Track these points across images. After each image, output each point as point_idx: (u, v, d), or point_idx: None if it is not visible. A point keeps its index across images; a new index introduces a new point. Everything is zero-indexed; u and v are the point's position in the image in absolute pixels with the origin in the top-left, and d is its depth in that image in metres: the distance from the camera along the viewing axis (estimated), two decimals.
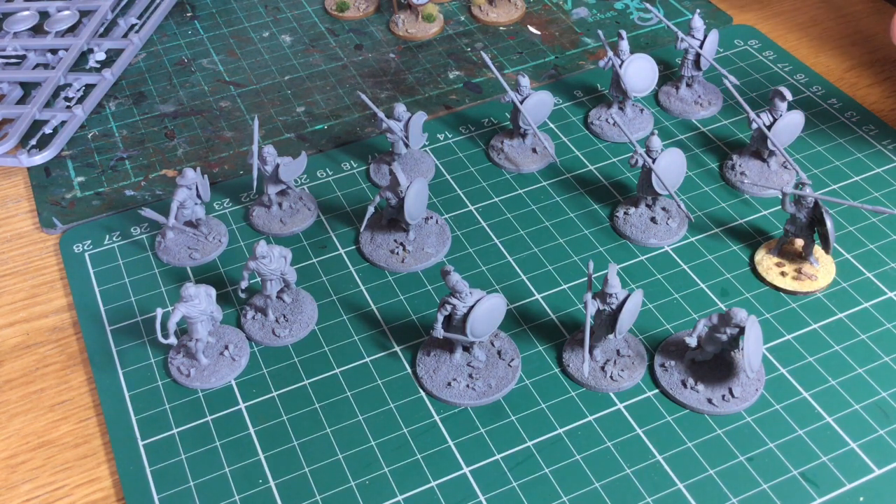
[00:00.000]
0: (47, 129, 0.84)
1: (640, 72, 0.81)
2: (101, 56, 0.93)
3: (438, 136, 0.84)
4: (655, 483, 0.58)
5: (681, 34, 0.82)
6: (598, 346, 0.63)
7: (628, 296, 0.60)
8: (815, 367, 0.64)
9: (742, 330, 0.60)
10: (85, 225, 0.77)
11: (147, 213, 0.73)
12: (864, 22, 0.96)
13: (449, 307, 0.61)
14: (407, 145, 0.77)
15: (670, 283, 0.70)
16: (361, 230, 0.74)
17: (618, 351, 0.64)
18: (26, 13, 0.97)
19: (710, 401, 0.61)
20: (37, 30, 0.97)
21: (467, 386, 0.63)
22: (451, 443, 0.61)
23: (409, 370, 0.65)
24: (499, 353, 0.65)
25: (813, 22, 0.97)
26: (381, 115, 0.76)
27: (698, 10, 0.86)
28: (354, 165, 0.81)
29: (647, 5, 0.87)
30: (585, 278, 0.70)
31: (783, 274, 0.69)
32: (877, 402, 0.61)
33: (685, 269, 0.71)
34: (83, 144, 0.85)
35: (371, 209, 0.72)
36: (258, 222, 0.76)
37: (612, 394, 0.63)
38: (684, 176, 0.74)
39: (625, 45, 0.81)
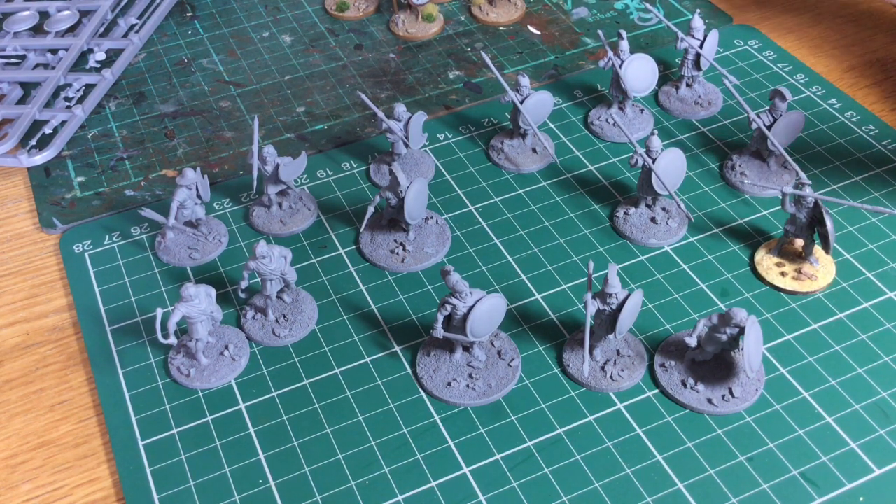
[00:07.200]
0: (47, 129, 0.84)
1: (640, 72, 0.81)
2: (101, 56, 0.93)
3: (438, 136, 0.84)
4: (655, 483, 0.58)
5: (681, 34, 0.82)
6: (598, 346, 0.63)
7: (628, 296, 0.60)
8: (815, 367, 0.64)
9: (742, 330, 0.60)
10: (85, 225, 0.77)
11: (147, 213, 0.73)
12: (865, 22, 0.96)
13: (449, 307, 0.61)
14: (407, 145, 0.77)
15: (670, 283, 0.70)
16: (361, 230, 0.74)
17: (618, 351, 0.64)
18: (26, 13, 0.97)
19: (710, 401, 0.61)
20: (37, 30, 0.97)
21: (467, 386, 0.63)
22: (451, 443, 0.61)
23: (409, 370, 0.65)
24: (499, 353, 0.65)
25: (813, 22, 0.97)
26: (381, 115, 0.76)
27: (698, 10, 0.86)
28: (354, 165, 0.81)
29: (647, 5, 0.87)
30: (585, 278, 0.70)
31: (783, 274, 0.69)
32: (877, 402, 0.61)
33: (685, 269, 0.71)
34: (83, 144, 0.85)
35: (371, 209, 0.72)
36: (258, 222, 0.76)
37: (612, 394, 0.63)
38: (684, 176, 0.74)
39: (625, 45, 0.81)
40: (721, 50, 0.91)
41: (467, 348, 0.64)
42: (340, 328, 0.68)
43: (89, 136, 0.86)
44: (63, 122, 0.85)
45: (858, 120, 0.83)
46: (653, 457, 0.59)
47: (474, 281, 0.70)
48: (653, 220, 0.73)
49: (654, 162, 0.70)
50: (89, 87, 0.89)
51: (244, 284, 0.66)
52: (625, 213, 0.74)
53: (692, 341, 0.61)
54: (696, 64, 0.83)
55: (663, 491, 0.57)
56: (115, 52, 0.94)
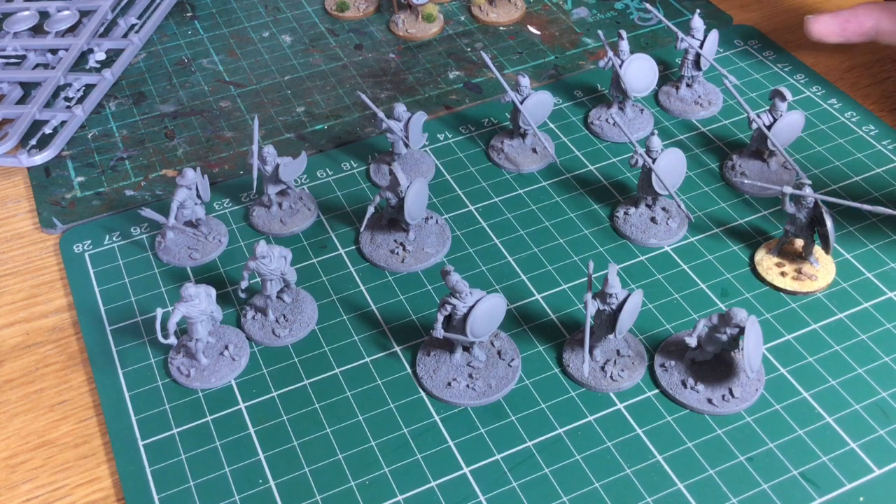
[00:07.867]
0: (47, 129, 0.84)
1: (640, 72, 0.81)
2: (101, 56, 0.93)
3: (438, 136, 0.84)
4: (655, 483, 0.58)
5: (681, 34, 0.82)
6: (598, 346, 0.63)
7: (628, 296, 0.60)
8: (815, 367, 0.64)
9: (742, 330, 0.60)
10: (85, 225, 0.77)
11: (147, 213, 0.73)
12: None
13: (449, 307, 0.61)
14: (407, 145, 0.77)
15: (670, 283, 0.70)
16: (361, 230, 0.74)
17: (618, 351, 0.64)
18: (26, 13, 0.97)
19: (710, 401, 0.61)
20: (37, 30, 0.97)
21: (467, 386, 0.63)
22: (451, 443, 0.61)
23: (409, 370, 0.65)
24: (499, 353, 0.65)
25: None
26: (381, 115, 0.76)
27: (698, 10, 0.86)
28: (354, 165, 0.81)
29: (647, 5, 0.87)
30: (585, 278, 0.70)
31: (783, 274, 0.69)
32: (877, 402, 0.61)
33: (685, 269, 0.71)
34: (83, 144, 0.85)
35: (371, 209, 0.72)
36: (258, 222, 0.76)
37: (612, 394, 0.63)
38: (684, 176, 0.74)
39: (625, 45, 0.81)
40: (721, 50, 0.91)
41: (467, 348, 0.64)
42: (340, 328, 0.68)
43: (89, 136, 0.86)
44: (63, 122, 0.85)
45: (858, 120, 0.82)
46: (653, 457, 0.59)
47: (474, 281, 0.70)
48: (653, 220, 0.73)
49: (654, 162, 0.70)
50: (89, 87, 0.89)
51: (244, 284, 0.66)
52: (625, 213, 0.74)
53: (692, 341, 0.61)
54: (696, 64, 0.83)
55: (663, 491, 0.57)
56: (115, 52, 0.94)
